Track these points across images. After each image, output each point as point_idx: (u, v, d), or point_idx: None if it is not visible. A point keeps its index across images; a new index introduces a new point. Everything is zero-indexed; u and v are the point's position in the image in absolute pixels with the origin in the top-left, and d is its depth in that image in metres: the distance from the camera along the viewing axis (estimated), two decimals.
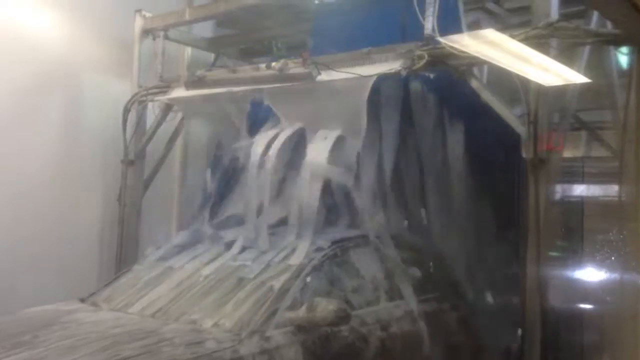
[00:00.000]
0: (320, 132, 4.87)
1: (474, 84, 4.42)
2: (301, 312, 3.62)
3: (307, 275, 3.99)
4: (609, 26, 4.26)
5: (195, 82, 5.32)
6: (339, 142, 4.79)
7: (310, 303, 3.62)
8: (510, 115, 4.29)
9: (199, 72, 5.35)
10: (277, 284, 3.87)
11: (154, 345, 3.28)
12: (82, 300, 4.35)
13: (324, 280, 4.10)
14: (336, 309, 3.57)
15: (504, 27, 4.72)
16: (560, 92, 4.31)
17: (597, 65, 4.82)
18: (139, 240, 6.17)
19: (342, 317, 3.62)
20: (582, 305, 5.02)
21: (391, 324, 4.20)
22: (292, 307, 3.72)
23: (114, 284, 4.58)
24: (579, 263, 5.27)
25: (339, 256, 4.30)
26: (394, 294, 4.45)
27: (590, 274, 5.29)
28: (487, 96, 4.37)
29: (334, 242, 4.35)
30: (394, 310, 4.32)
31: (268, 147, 4.88)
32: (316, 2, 5.43)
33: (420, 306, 4.45)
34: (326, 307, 3.56)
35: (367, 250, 4.52)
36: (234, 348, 3.35)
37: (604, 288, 5.01)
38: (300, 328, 3.63)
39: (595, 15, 4.55)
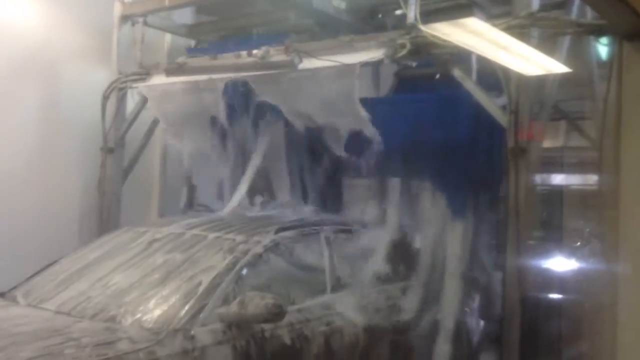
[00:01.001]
0: None
1: (457, 73, 4.43)
2: (231, 309, 3.36)
3: (242, 267, 3.72)
4: (589, 17, 4.29)
5: (175, 69, 5.27)
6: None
7: (241, 298, 3.37)
8: (493, 105, 4.32)
9: (180, 59, 5.29)
10: (206, 277, 3.59)
11: (57, 346, 2.98)
12: (2, 295, 3.98)
13: (265, 273, 3.85)
14: (270, 304, 3.30)
15: (486, 16, 4.73)
16: (541, 82, 4.34)
17: (577, 56, 4.85)
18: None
19: (277, 314, 3.35)
20: (561, 294, 5.08)
21: (335, 318, 4.02)
22: (225, 303, 3.45)
23: (37, 276, 4.18)
24: (558, 251, 5.33)
25: (283, 245, 4.07)
26: (345, 284, 4.29)
27: (569, 262, 5.36)
28: (470, 86, 4.39)
29: (279, 230, 4.14)
30: (340, 302, 4.13)
31: None
32: None
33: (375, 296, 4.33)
34: (259, 302, 3.29)
35: (318, 237, 4.33)
36: (149, 349, 3.06)
37: (583, 276, 5.09)
38: (231, 326, 3.38)
39: (575, 6, 4.58)
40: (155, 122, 6.37)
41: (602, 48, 5.03)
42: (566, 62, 4.33)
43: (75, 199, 6.23)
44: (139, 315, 3.39)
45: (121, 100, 6.17)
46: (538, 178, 4.54)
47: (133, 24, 6.19)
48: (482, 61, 4.32)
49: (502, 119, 4.23)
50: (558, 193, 5.76)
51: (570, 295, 5.02)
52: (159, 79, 5.72)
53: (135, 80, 6.00)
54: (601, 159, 3.87)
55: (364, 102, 4.61)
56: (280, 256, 4.02)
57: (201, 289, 3.50)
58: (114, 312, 3.44)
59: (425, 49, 4.39)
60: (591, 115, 5.41)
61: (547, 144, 5.04)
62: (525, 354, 4.07)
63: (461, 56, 4.42)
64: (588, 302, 4.36)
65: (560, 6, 4.69)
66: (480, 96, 4.37)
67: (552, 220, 5.48)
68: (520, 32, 3.95)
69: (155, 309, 3.42)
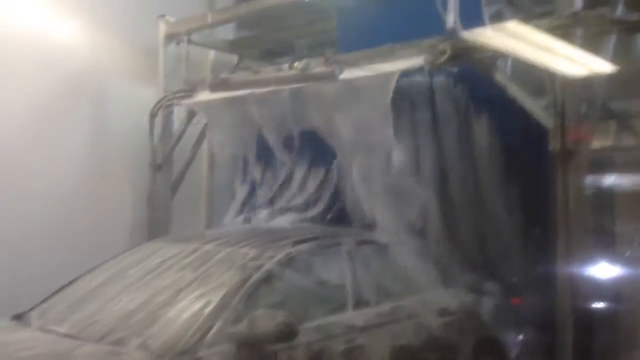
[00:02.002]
0: None
1: (499, 77, 4.36)
2: (240, 329, 3.18)
3: (255, 284, 3.53)
4: (636, 13, 4.17)
5: (219, 85, 5.36)
6: None
7: (250, 317, 3.19)
8: (537, 107, 4.23)
9: (223, 75, 5.39)
10: (215, 296, 3.42)
11: None
12: (19, 317, 3.86)
13: (280, 289, 3.66)
14: (280, 323, 3.14)
15: (527, 17, 4.65)
16: (588, 82, 4.24)
17: (625, 53, 4.73)
18: None
19: (288, 333, 3.19)
20: (614, 302, 4.90)
21: (356, 335, 3.77)
22: (236, 323, 3.26)
23: (54, 297, 4.06)
24: (611, 257, 5.15)
25: (300, 259, 3.87)
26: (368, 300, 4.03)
27: (623, 268, 5.17)
28: (513, 89, 4.32)
29: (296, 243, 3.96)
30: (361, 319, 3.87)
31: None
32: None
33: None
34: (269, 321, 3.13)
35: (338, 250, 4.13)
36: None
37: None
38: (241, 347, 3.19)
39: (621, 2, 4.45)
40: (201, 137, 6.50)
41: None
42: (613, 60, 4.22)
43: (126, 215, 6.39)
44: (145, 338, 3.24)
45: (168, 117, 6.32)
46: (588, 180, 4.41)
47: (178, 43, 6.34)
48: (517, 63, 4.25)
49: (547, 121, 4.14)
50: (609, 195, 5.58)
51: (625, 305, 4.84)
52: (204, 95, 5.84)
53: (182, 98, 6.12)
54: None
55: None
56: (297, 271, 3.82)
57: (209, 308, 3.35)
58: (121, 335, 3.31)
59: (466, 54, 4.34)
60: None
61: (596, 144, 4.90)
62: None
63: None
64: None
65: (605, 3, 4.58)
66: (525, 99, 4.29)
67: (604, 224, 5.31)
68: (563, 32, 3.87)
69: (162, 331, 3.27)
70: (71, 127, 5.96)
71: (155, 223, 6.23)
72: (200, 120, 6.34)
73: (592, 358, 4.12)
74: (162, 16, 6.34)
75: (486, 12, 4.75)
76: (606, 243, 5.21)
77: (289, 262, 3.80)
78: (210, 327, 3.23)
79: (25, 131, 5.58)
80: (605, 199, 5.48)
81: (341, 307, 3.89)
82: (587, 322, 4.05)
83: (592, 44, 4.01)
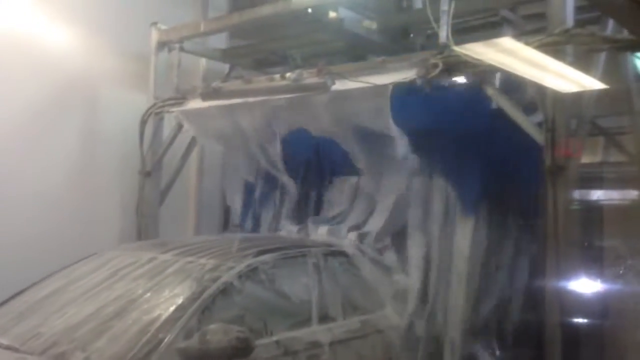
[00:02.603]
0: None
1: (490, 92, 4.40)
2: (192, 344, 3.01)
3: (211, 296, 3.36)
4: (626, 32, 4.23)
5: (211, 93, 5.37)
6: None
7: (203, 332, 3.02)
8: (529, 123, 4.27)
9: (215, 84, 5.39)
10: (167, 309, 3.26)
11: None
12: None
13: (239, 302, 3.49)
14: (234, 337, 2.97)
15: (519, 34, 4.70)
16: (577, 98, 4.28)
17: (614, 71, 4.78)
18: None
19: (243, 349, 3.01)
20: (604, 318, 4.93)
21: (319, 352, 3.63)
22: (188, 338, 3.10)
23: (2, 306, 3.90)
24: (599, 271, 5.20)
25: (262, 271, 3.72)
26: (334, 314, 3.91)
27: (611, 283, 5.21)
28: (505, 104, 4.35)
29: (258, 254, 3.80)
30: (326, 335, 3.72)
31: None
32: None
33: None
34: (222, 336, 2.96)
35: (304, 263, 4.00)
36: None
37: (627, 297, 4.94)
38: None
39: (611, 21, 4.52)
40: (191, 145, 6.49)
41: (639, 62, 4.96)
42: (603, 78, 4.27)
43: (115, 221, 6.36)
44: (89, 353, 3.07)
45: (158, 124, 6.31)
46: (577, 195, 4.45)
47: (169, 50, 6.33)
48: (507, 79, 4.28)
49: (538, 137, 4.18)
50: (598, 210, 5.64)
51: (614, 319, 4.86)
52: (195, 104, 5.83)
53: (172, 105, 6.12)
54: None
55: None
56: (258, 283, 3.67)
57: (159, 322, 3.18)
58: (64, 348, 3.13)
59: (457, 69, 4.38)
60: (630, 130, 5.31)
61: (585, 160, 4.95)
62: None
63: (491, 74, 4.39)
64: (633, 327, 4.23)
65: (595, 22, 4.64)
66: (516, 115, 4.33)
67: (592, 238, 5.35)
68: (554, 49, 3.92)
69: (107, 345, 3.10)
70: (61, 133, 5.94)
71: (144, 230, 6.20)
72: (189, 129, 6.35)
73: None
74: (155, 24, 6.33)
75: None
76: (594, 257, 5.25)
77: (249, 273, 3.65)
78: (160, 342, 3.07)
79: (16, 137, 5.55)
80: (594, 214, 5.53)
81: (305, 322, 3.75)
82: (575, 337, 4.07)
83: (582, 62, 4.05)
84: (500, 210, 4.77)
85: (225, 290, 3.46)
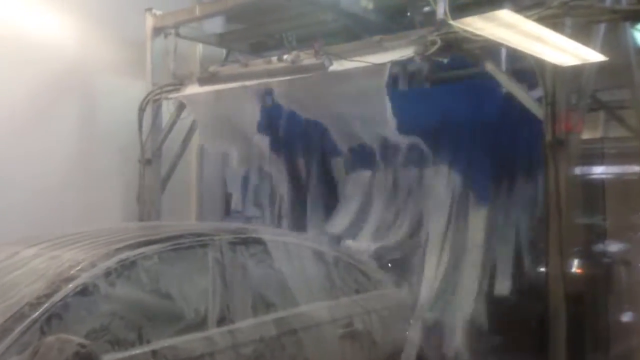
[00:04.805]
0: None
1: (489, 67, 4.37)
2: (23, 358, 2.56)
3: (63, 299, 2.80)
4: (625, 2, 4.19)
5: (208, 78, 5.34)
6: None
7: (36, 346, 2.55)
8: (528, 98, 4.24)
9: (212, 68, 5.35)
10: (2, 316, 2.71)
11: None
12: None
13: (107, 305, 2.94)
14: (73, 353, 2.49)
15: (518, 8, 4.65)
16: (577, 72, 4.25)
17: (614, 43, 4.74)
18: None
19: None
20: (607, 288, 4.94)
21: (219, 358, 3.16)
22: (21, 352, 2.61)
23: None
24: (601, 244, 5.19)
25: (143, 266, 3.15)
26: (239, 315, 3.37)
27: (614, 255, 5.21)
28: (504, 79, 4.32)
29: (138, 245, 3.21)
30: (224, 339, 3.23)
31: None
32: None
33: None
34: (57, 352, 2.47)
35: (202, 255, 3.41)
36: None
37: (628, 270, 4.94)
38: None
39: None
40: (191, 132, 6.46)
41: (639, 34, 4.91)
42: (602, 50, 4.23)
43: (116, 210, 6.36)
44: None
45: (157, 111, 6.27)
46: (578, 170, 4.44)
47: (165, 36, 6.29)
48: (512, 54, 4.25)
49: (538, 111, 4.15)
50: (599, 185, 5.62)
51: (615, 291, 4.87)
52: (192, 89, 5.80)
53: (170, 91, 6.09)
54: None
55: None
56: (135, 282, 3.10)
57: None
58: None
59: (456, 45, 4.33)
60: (630, 104, 5.27)
61: (586, 135, 4.92)
62: (572, 353, 3.96)
63: (491, 50, 4.36)
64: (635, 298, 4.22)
65: None
66: (515, 89, 4.30)
67: (594, 212, 5.34)
68: (553, 22, 3.87)
69: None
70: (59, 121, 5.92)
71: (146, 218, 6.19)
72: (189, 115, 6.32)
73: (584, 351, 4.13)
74: (150, 9, 6.28)
75: None
76: (596, 233, 5.25)
77: (122, 270, 3.07)
78: None
79: (13, 125, 5.52)
80: (595, 188, 5.52)
81: (198, 326, 3.21)
82: (579, 312, 4.07)
83: (581, 34, 4.01)
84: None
85: (85, 292, 2.90)
